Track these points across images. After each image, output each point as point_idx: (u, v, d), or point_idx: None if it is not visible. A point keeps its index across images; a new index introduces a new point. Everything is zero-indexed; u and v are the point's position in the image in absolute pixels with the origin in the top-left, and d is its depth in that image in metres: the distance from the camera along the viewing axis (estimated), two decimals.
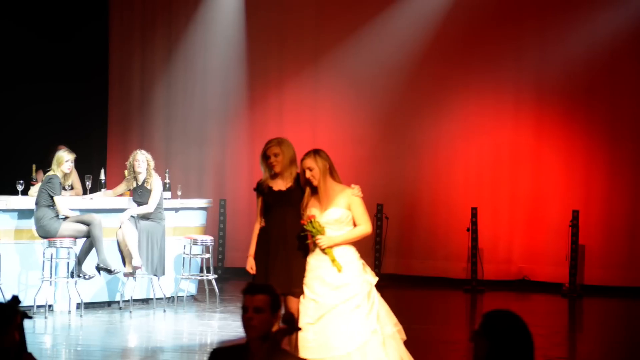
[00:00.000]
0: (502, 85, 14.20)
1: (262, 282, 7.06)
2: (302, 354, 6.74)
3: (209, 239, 12.02)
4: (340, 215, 7.05)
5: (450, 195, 14.38)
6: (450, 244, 14.28)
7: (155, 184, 11.24)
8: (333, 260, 6.97)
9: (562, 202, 13.79)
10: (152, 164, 11.33)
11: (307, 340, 6.84)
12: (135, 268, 11.05)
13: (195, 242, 11.92)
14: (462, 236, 13.95)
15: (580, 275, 13.57)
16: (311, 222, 7.00)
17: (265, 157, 7.32)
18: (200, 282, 12.37)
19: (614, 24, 13.59)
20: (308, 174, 7.08)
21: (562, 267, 13.54)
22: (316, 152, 7.14)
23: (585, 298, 13.23)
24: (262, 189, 7.36)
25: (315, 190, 7.11)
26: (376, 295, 7.01)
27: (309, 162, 7.09)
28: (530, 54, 14.08)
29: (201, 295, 12.31)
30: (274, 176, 7.32)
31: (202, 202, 12.60)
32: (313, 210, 7.07)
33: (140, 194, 11.27)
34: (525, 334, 4.02)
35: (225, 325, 10.65)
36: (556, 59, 13.90)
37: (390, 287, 13.17)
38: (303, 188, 7.17)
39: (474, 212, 13.71)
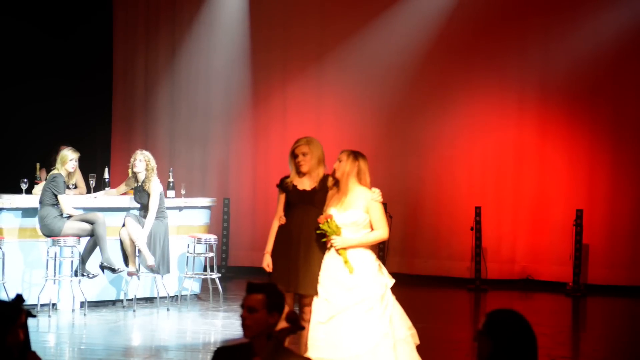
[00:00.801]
0: (506, 84, 14.19)
1: (280, 280, 7.06)
2: (311, 353, 6.74)
3: (212, 238, 12.02)
4: (357, 218, 7.04)
5: (453, 194, 14.38)
6: (454, 243, 14.28)
7: (153, 188, 11.16)
8: (346, 262, 6.96)
9: (566, 202, 13.79)
10: (152, 164, 11.25)
11: (317, 339, 6.83)
12: (150, 267, 11.04)
13: (199, 241, 11.92)
14: (465, 235, 13.95)
15: (584, 275, 13.57)
16: (328, 221, 6.99)
17: (293, 155, 7.30)
18: (204, 281, 12.38)
19: (619, 23, 13.59)
20: (336, 163, 7.13)
21: (566, 266, 13.54)
22: (354, 152, 7.18)
23: (589, 297, 13.22)
24: (286, 186, 7.35)
25: (338, 185, 7.13)
26: (390, 298, 6.99)
27: (342, 155, 7.16)
28: (534, 53, 14.07)
29: (205, 294, 12.32)
30: (300, 175, 7.31)
31: (206, 201, 12.61)
32: (332, 210, 7.07)
33: (139, 195, 11.27)
34: (528, 334, 4.02)
35: (229, 324, 10.65)
36: (561, 58, 13.90)
37: (394, 286, 13.13)
38: (329, 185, 7.17)
39: (478, 211, 13.70)
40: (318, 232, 7.08)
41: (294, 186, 7.30)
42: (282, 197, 7.38)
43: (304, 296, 7.14)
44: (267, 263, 7.29)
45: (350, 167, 7.10)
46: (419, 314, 11.12)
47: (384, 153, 14.62)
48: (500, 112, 14.23)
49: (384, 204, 14.17)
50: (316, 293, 7.02)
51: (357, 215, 7.04)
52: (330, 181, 7.21)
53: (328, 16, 15.06)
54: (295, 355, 4.63)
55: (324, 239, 7.05)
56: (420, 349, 7.09)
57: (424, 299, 13.19)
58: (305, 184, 7.30)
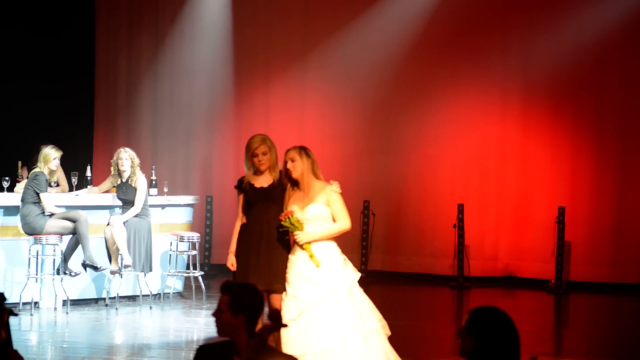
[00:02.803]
0: (489, 81, 14.21)
1: (243, 279, 7.08)
2: (283, 350, 6.74)
3: (195, 236, 12.01)
4: (318, 212, 7.04)
5: (436, 191, 14.40)
6: (437, 241, 14.29)
7: (140, 182, 11.22)
8: (311, 256, 6.97)
9: (549, 199, 13.82)
10: (136, 161, 11.33)
11: (289, 337, 6.83)
12: (126, 266, 11.04)
13: (181, 239, 11.91)
14: (448, 233, 13.97)
15: (566, 272, 13.61)
16: (289, 218, 7.00)
17: (253, 155, 7.30)
18: (187, 279, 12.36)
19: (602, 20, 13.62)
20: (289, 164, 7.09)
21: (549, 263, 13.57)
22: (302, 148, 7.16)
23: (571, 294, 13.26)
24: (243, 187, 7.37)
25: (295, 184, 7.12)
26: (358, 291, 7.00)
27: (293, 154, 7.11)
28: (517, 50, 14.10)
29: (187, 292, 12.30)
30: (258, 173, 7.32)
31: (189, 199, 12.60)
32: (293, 206, 7.08)
33: (124, 191, 11.27)
34: (511, 330, 4.03)
35: (212, 322, 10.58)
36: (543, 55, 13.93)
37: (377, 283, 13.19)
38: (284, 182, 7.18)
39: (461, 208, 13.72)
40: (281, 230, 7.10)
41: (251, 185, 7.32)
42: (241, 197, 7.41)
43: (271, 292, 7.15)
44: (232, 262, 7.36)
45: (307, 164, 7.10)
46: (402, 311, 11.16)
47: (367, 150, 14.64)
48: (483, 109, 14.25)
49: (367, 201, 14.22)
50: (282, 288, 7.02)
51: (318, 209, 7.04)
52: (285, 181, 7.19)
53: (311, 14, 15.05)
54: (278, 352, 4.63)
55: (287, 237, 7.07)
56: (403, 345, 7.11)
57: (407, 296, 13.22)
58: (262, 181, 7.32)
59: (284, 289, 7.04)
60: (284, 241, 7.19)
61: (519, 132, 14.12)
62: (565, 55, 13.81)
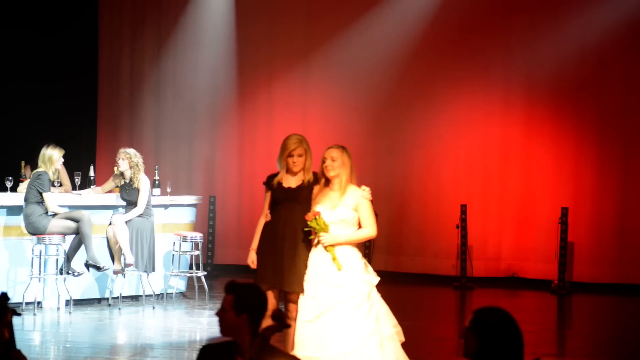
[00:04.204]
0: (491, 82, 14.21)
1: (265, 277, 7.08)
2: (299, 351, 6.74)
3: (198, 236, 12.00)
4: (346, 216, 7.03)
5: (439, 192, 14.39)
6: (440, 241, 14.29)
7: (143, 183, 11.20)
8: (334, 259, 6.95)
9: (552, 199, 13.82)
10: (134, 160, 11.24)
11: (305, 338, 6.82)
12: (128, 265, 11.04)
13: (184, 239, 11.90)
14: (451, 233, 13.96)
15: (569, 272, 13.60)
16: (316, 218, 6.98)
17: (289, 155, 7.25)
18: (190, 279, 12.37)
19: (604, 20, 13.61)
20: (329, 162, 7.05)
21: (551, 264, 13.56)
22: (344, 147, 7.13)
23: (574, 295, 13.26)
24: (271, 184, 7.34)
25: (327, 184, 7.09)
26: (376, 296, 7.00)
27: (336, 153, 7.08)
28: (520, 50, 14.09)
29: (190, 292, 12.31)
30: (288, 172, 7.28)
31: (192, 199, 12.59)
32: (320, 207, 7.05)
33: (127, 191, 11.27)
34: (514, 331, 4.03)
35: (215, 322, 10.57)
36: (546, 55, 13.92)
37: (380, 284, 13.14)
38: (319, 179, 7.15)
39: (464, 209, 13.71)
40: (306, 229, 7.07)
41: (280, 183, 7.28)
42: (268, 195, 7.36)
43: (289, 293, 7.14)
44: (252, 260, 7.30)
45: (347, 166, 7.08)
46: (405, 311, 11.12)
47: (370, 151, 14.62)
48: (486, 110, 14.24)
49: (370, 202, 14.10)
50: (301, 290, 7.01)
51: (347, 212, 7.02)
52: (321, 177, 7.15)
53: (314, 14, 15.05)
54: (281, 353, 4.63)
55: (312, 237, 7.05)
56: (406, 346, 7.10)
57: (410, 297, 13.21)
58: (291, 181, 7.28)
59: (302, 292, 7.03)
60: (307, 242, 7.14)
61: (522, 132, 14.11)
62: (568, 57, 13.80)
